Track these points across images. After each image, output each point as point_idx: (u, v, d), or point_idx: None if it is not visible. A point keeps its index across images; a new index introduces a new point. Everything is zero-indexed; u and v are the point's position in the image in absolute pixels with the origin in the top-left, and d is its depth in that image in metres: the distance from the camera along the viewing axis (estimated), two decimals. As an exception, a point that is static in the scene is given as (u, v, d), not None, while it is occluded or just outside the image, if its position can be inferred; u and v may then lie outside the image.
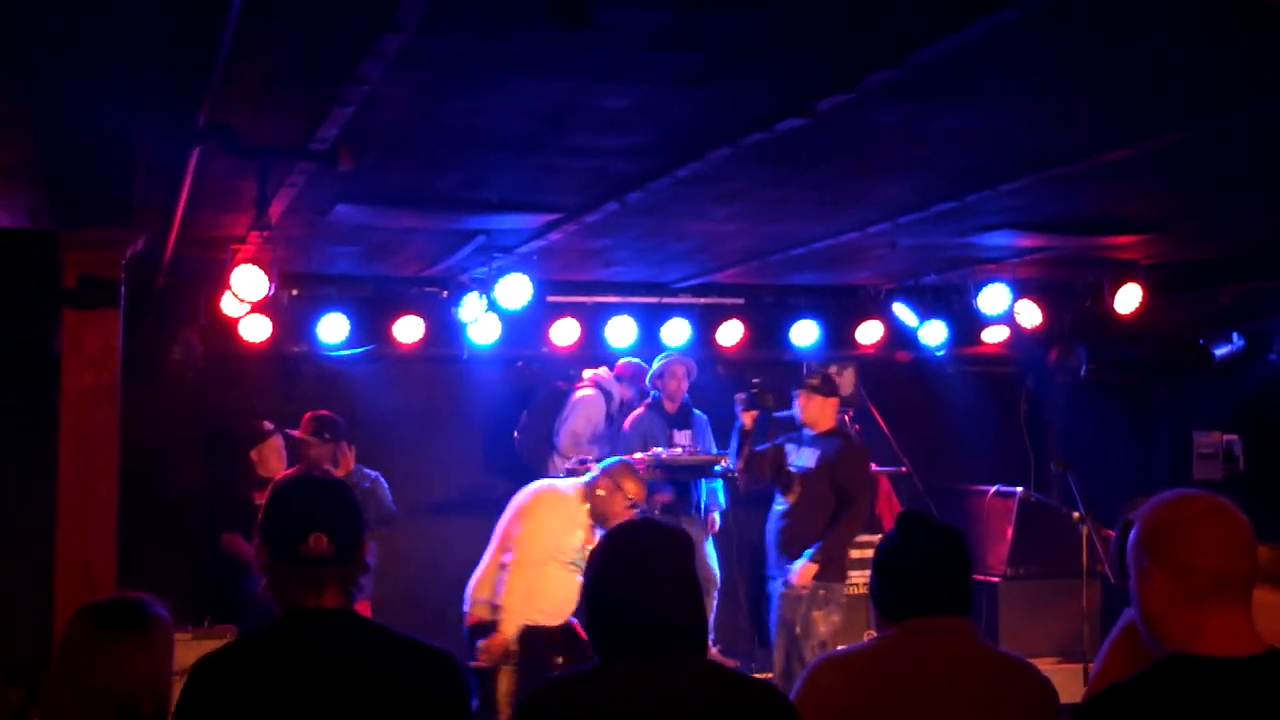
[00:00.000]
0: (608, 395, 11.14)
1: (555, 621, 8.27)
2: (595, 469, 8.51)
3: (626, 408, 11.12)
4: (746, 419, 9.69)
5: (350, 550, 3.56)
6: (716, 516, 10.88)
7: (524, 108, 5.88)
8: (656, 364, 10.85)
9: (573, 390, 11.13)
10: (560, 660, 8.16)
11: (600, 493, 8.24)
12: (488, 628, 8.22)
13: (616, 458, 8.83)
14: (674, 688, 3.38)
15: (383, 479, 9.84)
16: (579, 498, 8.31)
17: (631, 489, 8.21)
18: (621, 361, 11.26)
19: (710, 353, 11.44)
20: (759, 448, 9.66)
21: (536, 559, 8.23)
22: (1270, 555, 4.84)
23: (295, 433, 9.76)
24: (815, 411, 9.59)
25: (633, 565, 3.50)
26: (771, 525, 9.57)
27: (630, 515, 7.96)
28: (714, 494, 10.85)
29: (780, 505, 9.51)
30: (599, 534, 7.72)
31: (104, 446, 7.38)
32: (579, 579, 7.86)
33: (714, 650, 10.45)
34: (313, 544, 3.50)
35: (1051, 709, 3.90)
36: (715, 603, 10.69)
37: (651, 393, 10.88)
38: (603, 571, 3.53)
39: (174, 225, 7.83)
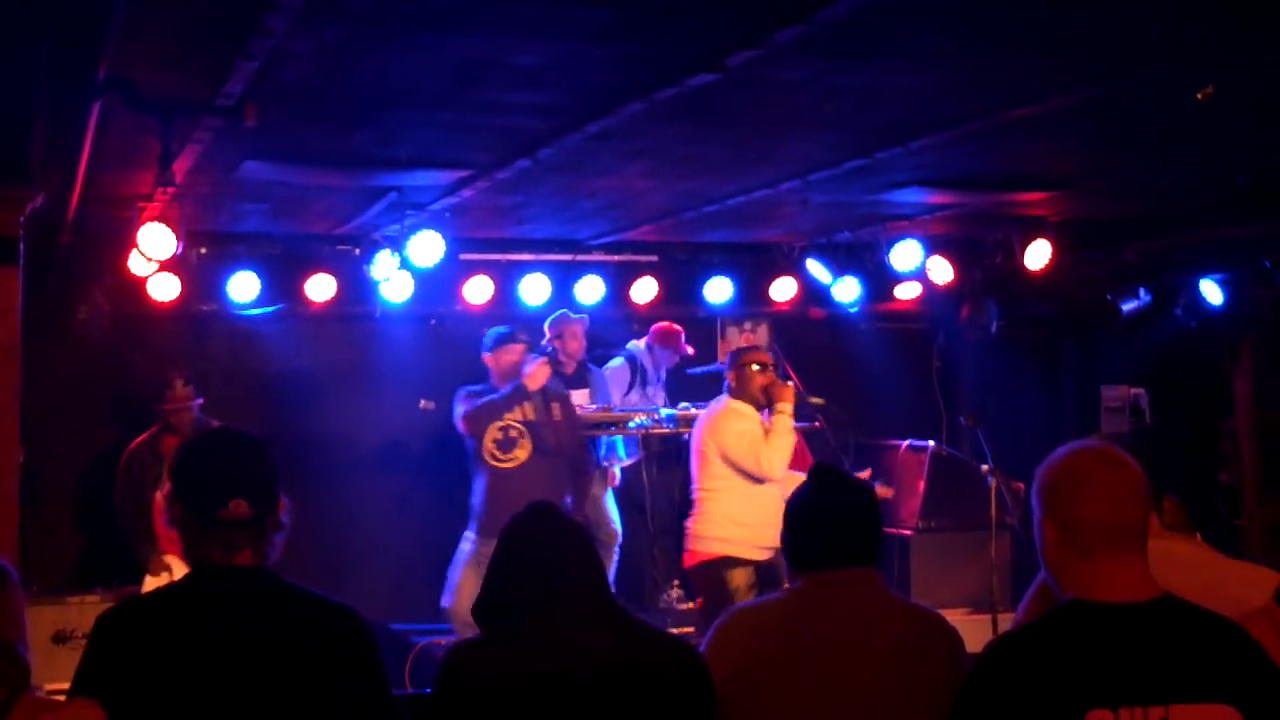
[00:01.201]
0: (631, 359, 11.30)
1: None
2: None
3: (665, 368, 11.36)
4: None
5: (266, 511, 3.55)
6: (616, 470, 10.91)
7: (435, 64, 5.83)
8: (552, 319, 10.81)
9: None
10: None
11: (734, 383, 8.48)
12: None
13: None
14: (582, 642, 3.41)
15: None
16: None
17: (751, 357, 8.51)
18: (656, 326, 11.36)
19: (624, 310, 11.44)
20: None
21: None
22: (1173, 507, 4.91)
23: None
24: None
25: (527, 540, 3.58)
26: None
27: (766, 379, 8.37)
28: (613, 448, 10.89)
29: None
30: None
31: (3, 408, 7.26)
32: None
33: None
34: (232, 509, 3.48)
35: (957, 658, 3.95)
36: (616, 558, 10.73)
37: (550, 349, 10.86)
38: (503, 550, 3.60)
39: (77, 182, 7.70)
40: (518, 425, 9.38)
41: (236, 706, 3.39)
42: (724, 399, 8.53)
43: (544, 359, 9.50)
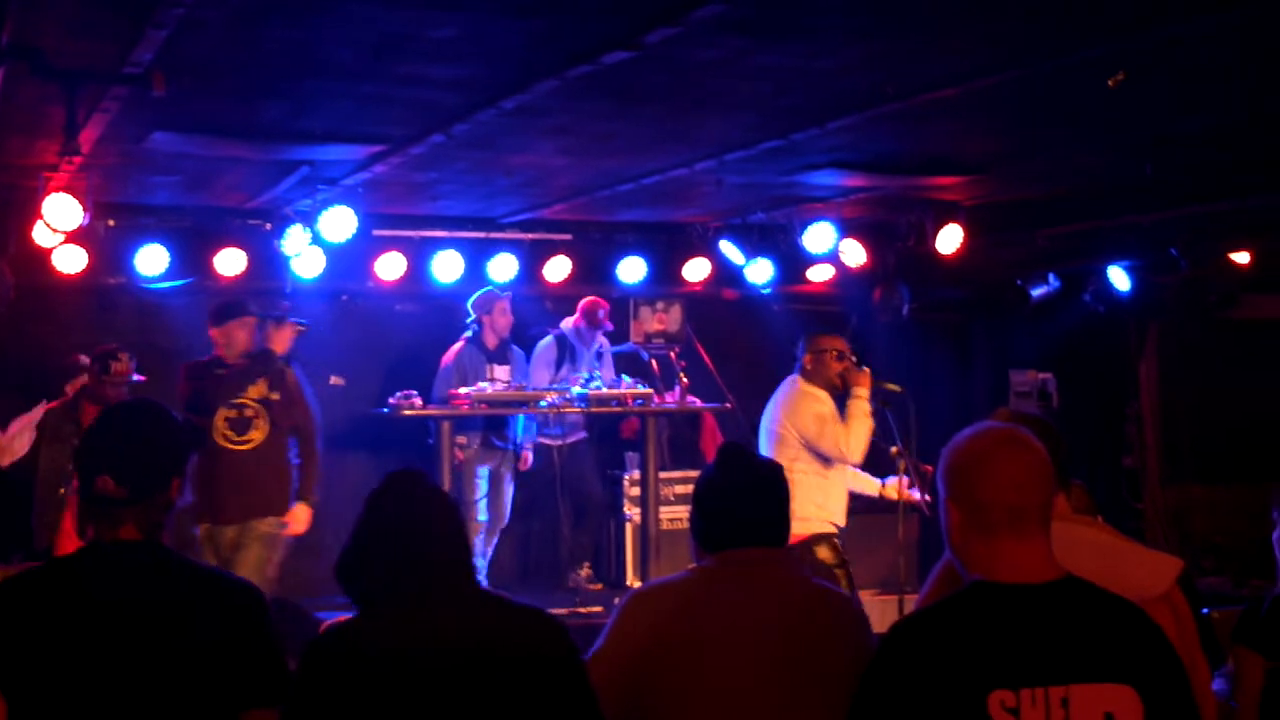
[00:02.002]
0: (560, 339, 11.28)
1: None
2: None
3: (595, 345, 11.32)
4: None
5: (146, 490, 3.51)
6: (529, 454, 10.91)
7: (347, 35, 5.78)
8: (478, 295, 10.78)
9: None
10: None
11: (809, 366, 8.57)
12: None
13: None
14: (452, 621, 3.40)
15: None
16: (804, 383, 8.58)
17: (829, 343, 8.65)
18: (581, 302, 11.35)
19: (537, 289, 11.40)
20: None
21: None
22: (1077, 490, 4.96)
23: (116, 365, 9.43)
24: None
25: (400, 508, 3.55)
26: None
27: (843, 365, 8.55)
28: (528, 430, 10.89)
29: None
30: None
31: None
32: None
33: (483, 585, 10.50)
34: (99, 486, 3.46)
35: (862, 639, 3.97)
36: (496, 540, 10.75)
37: (472, 325, 10.82)
38: (374, 518, 3.58)
39: (-20, 151, 7.60)
40: (253, 404, 8.82)
41: (117, 679, 3.37)
42: (796, 381, 8.66)
43: (290, 323, 9.13)
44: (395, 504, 3.55)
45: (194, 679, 3.41)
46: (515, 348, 11.08)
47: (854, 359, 8.67)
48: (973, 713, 2.91)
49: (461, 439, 10.56)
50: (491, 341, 10.80)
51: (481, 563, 10.59)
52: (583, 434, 11.44)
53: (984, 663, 2.94)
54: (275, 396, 8.85)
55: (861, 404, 8.51)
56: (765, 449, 8.54)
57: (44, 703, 3.35)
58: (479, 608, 3.50)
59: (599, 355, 11.18)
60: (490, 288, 10.83)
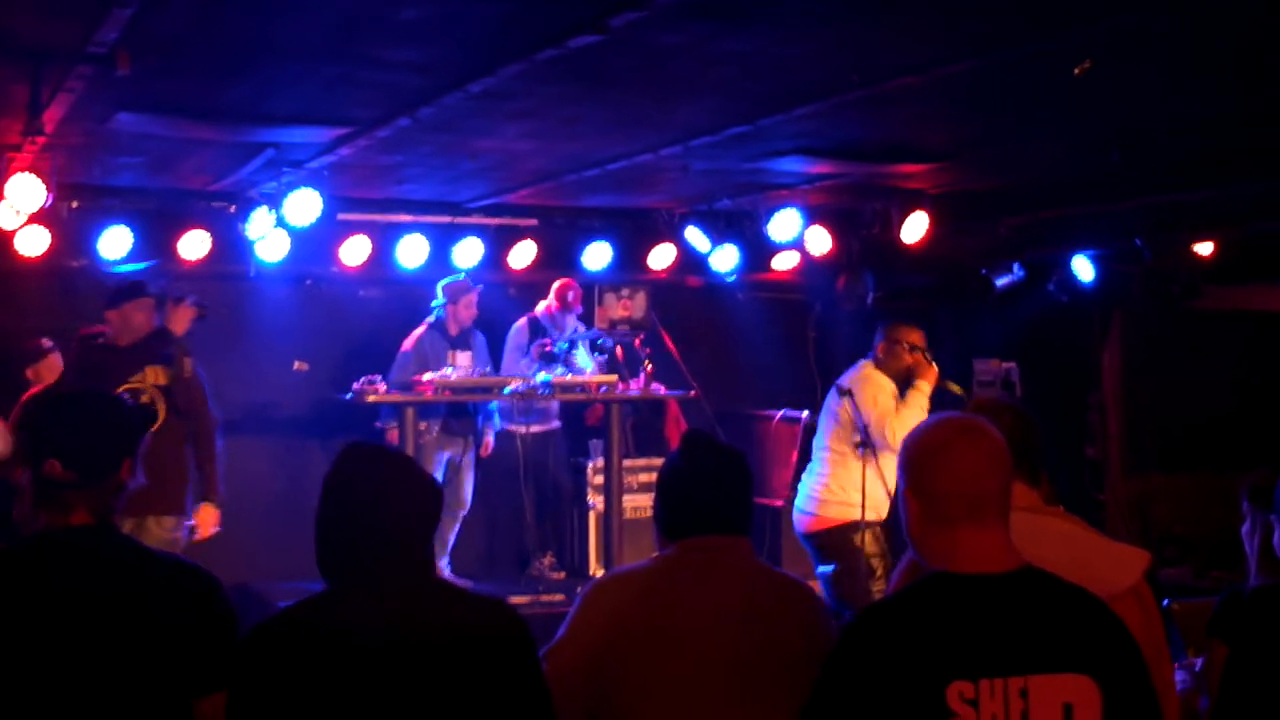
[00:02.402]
0: (533, 323, 11.26)
1: None
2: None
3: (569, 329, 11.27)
4: None
5: (96, 473, 3.50)
6: (490, 439, 10.89)
7: (313, 16, 5.75)
8: (449, 281, 10.75)
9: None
10: None
11: (881, 354, 8.79)
12: None
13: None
14: (401, 608, 3.36)
15: None
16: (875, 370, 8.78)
17: (905, 334, 8.86)
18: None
19: (502, 274, 11.38)
20: None
21: None
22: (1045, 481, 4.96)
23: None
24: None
25: (360, 488, 3.47)
26: None
27: (915, 359, 8.74)
28: (490, 416, 10.87)
29: None
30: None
31: None
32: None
33: (446, 571, 10.50)
34: (47, 469, 3.45)
35: (824, 628, 3.97)
36: (458, 526, 10.74)
37: (436, 312, 10.80)
38: (335, 495, 3.50)
39: (-59, 130, 7.55)
40: (150, 389, 8.65)
41: (68, 665, 3.35)
42: (865, 365, 8.88)
43: (188, 303, 9.13)
44: (348, 481, 3.50)
45: (148, 664, 3.39)
46: (478, 334, 11.06)
47: (928, 354, 8.82)
48: (931, 703, 2.92)
49: (422, 424, 10.53)
50: (454, 328, 10.78)
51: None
52: (556, 424, 11.42)
53: (943, 653, 2.96)
54: (173, 381, 8.69)
55: (919, 396, 8.66)
56: (822, 429, 8.83)
57: None
58: (430, 594, 3.46)
59: (572, 341, 11.14)
60: (462, 277, 10.80)
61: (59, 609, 3.37)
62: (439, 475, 10.58)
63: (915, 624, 3.03)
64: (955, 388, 8.93)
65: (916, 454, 3.20)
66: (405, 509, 3.46)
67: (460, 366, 10.52)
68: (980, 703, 2.92)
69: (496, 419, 10.94)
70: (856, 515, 8.46)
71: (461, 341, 10.76)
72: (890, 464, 8.41)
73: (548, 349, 10.88)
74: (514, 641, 3.47)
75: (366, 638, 3.31)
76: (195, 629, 3.47)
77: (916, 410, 8.55)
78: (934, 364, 8.80)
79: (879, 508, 8.58)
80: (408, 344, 10.78)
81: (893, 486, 8.52)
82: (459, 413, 10.76)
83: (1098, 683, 2.99)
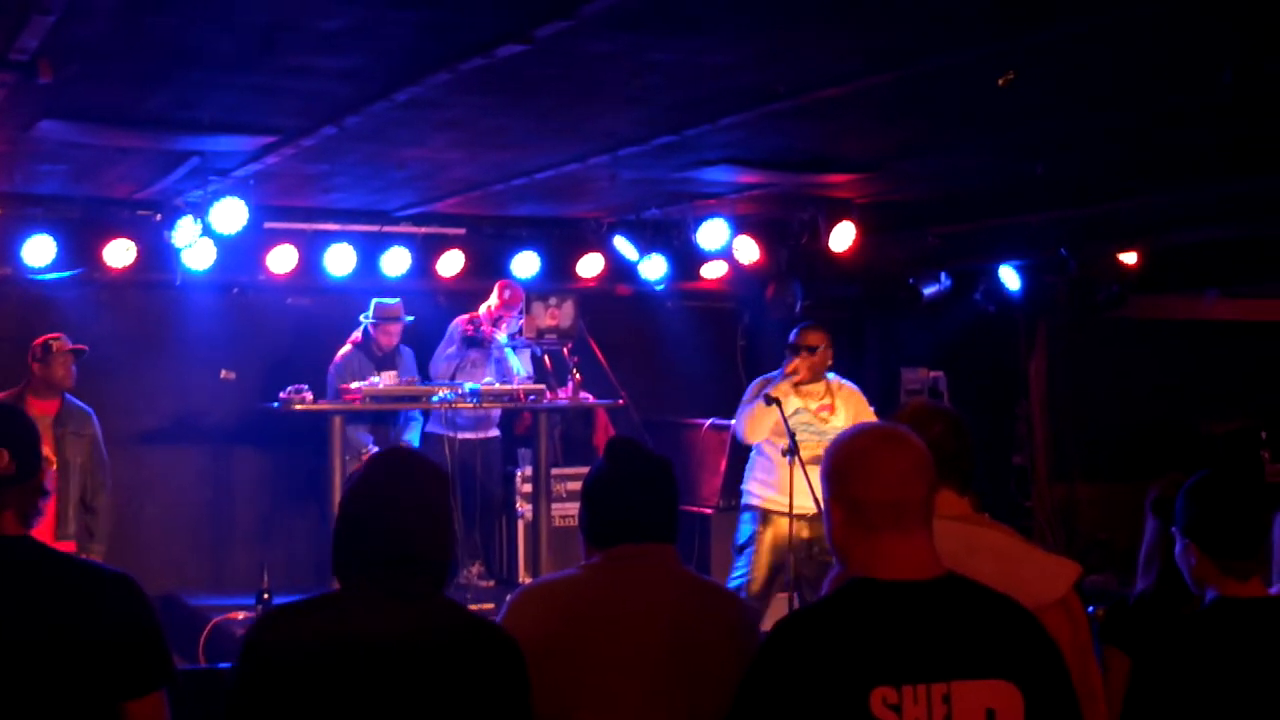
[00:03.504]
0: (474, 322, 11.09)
1: None
2: None
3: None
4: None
5: (28, 470, 3.51)
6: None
7: (234, 24, 5.72)
8: (376, 304, 10.67)
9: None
10: None
11: None
12: None
13: None
14: (405, 619, 3.35)
15: (92, 413, 9.26)
16: None
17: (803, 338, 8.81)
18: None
19: (430, 283, 11.35)
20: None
21: None
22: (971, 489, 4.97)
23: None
24: None
25: (382, 490, 3.47)
26: None
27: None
28: (409, 427, 10.82)
29: None
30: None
31: None
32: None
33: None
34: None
35: (748, 636, 3.96)
36: None
37: (364, 327, 10.73)
38: (353, 493, 3.49)
39: None
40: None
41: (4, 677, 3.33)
42: None
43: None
44: (362, 486, 3.50)
45: (72, 673, 3.38)
46: (405, 349, 10.94)
47: (798, 352, 8.78)
48: (855, 709, 2.93)
49: (366, 452, 10.44)
50: (380, 349, 10.69)
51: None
52: (494, 431, 11.36)
53: (865, 660, 2.96)
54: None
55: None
56: None
57: None
58: (429, 610, 3.44)
59: (512, 345, 11.06)
60: (395, 302, 10.73)
61: None
62: None
63: (837, 630, 3.04)
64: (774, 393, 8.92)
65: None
66: (412, 515, 3.45)
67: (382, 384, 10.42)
68: (904, 708, 2.93)
69: (416, 431, 10.84)
70: None
71: (387, 361, 10.64)
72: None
73: (471, 332, 10.82)
74: (501, 665, 3.46)
75: (353, 642, 3.30)
76: (120, 633, 3.45)
77: (744, 406, 8.80)
78: (798, 362, 8.76)
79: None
80: (335, 362, 10.69)
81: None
82: (388, 425, 10.68)
83: (1020, 688, 3.01)
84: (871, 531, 3.12)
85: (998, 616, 3.12)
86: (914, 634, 3.02)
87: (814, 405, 8.77)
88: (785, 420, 8.49)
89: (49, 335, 9.02)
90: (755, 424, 8.72)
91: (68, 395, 9.06)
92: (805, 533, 8.52)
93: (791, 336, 8.83)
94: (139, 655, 3.47)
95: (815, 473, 7.98)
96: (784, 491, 8.49)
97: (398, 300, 10.77)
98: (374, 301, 10.73)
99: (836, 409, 8.78)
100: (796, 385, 8.73)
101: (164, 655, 3.52)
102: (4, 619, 3.36)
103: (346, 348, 10.72)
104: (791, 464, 8.38)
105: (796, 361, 8.72)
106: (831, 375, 8.92)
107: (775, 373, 8.85)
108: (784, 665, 3.03)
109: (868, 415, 8.71)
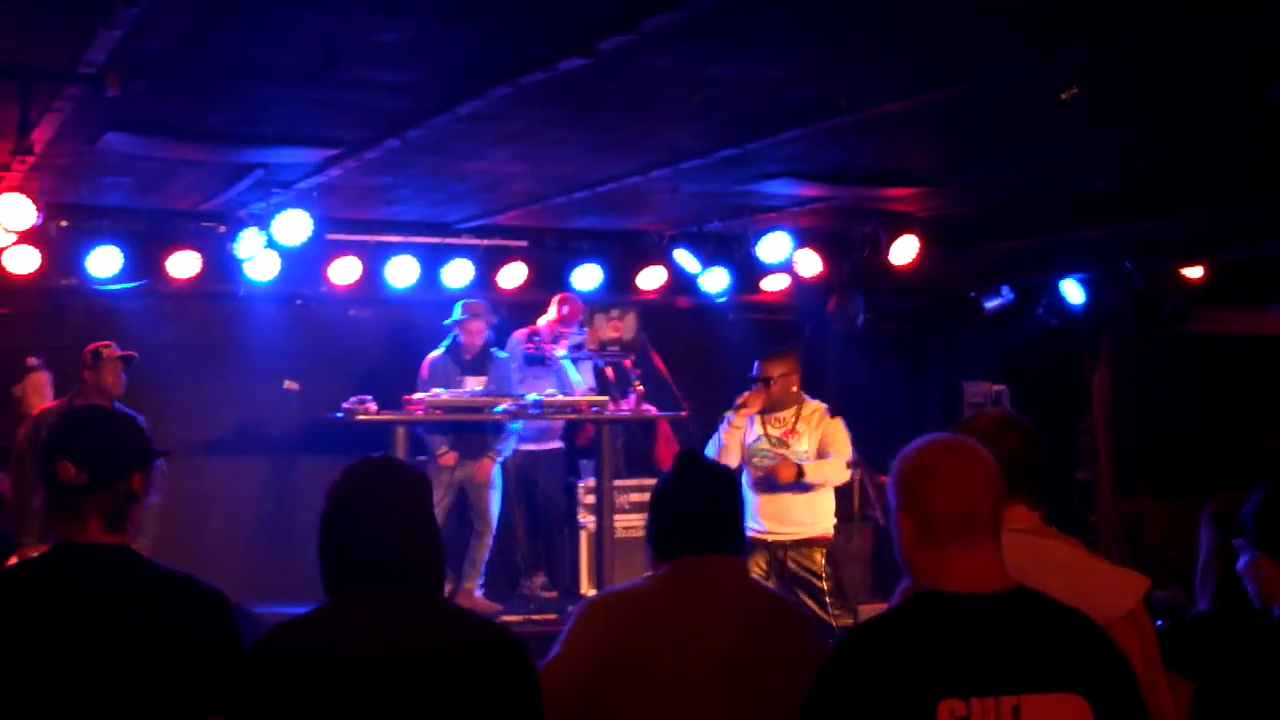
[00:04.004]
0: (533, 335, 11.08)
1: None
2: None
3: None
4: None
5: (106, 478, 3.47)
6: (490, 460, 10.77)
7: (298, 38, 5.77)
8: (457, 314, 10.68)
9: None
10: None
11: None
12: None
13: None
14: (401, 628, 3.33)
15: (142, 420, 9.24)
16: None
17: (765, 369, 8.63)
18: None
19: (492, 295, 11.36)
20: None
21: None
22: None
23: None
24: None
25: (363, 502, 3.45)
26: None
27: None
28: (499, 436, 10.76)
29: None
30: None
31: None
32: None
33: (478, 594, 10.44)
34: (60, 474, 3.43)
35: (815, 648, 3.95)
36: (489, 546, 10.65)
37: (452, 335, 10.72)
38: (334, 507, 3.47)
39: (-68, 150, 7.55)
40: None
41: (84, 687, 3.33)
42: None
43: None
44: (344, 496, 3.49)
45: (155, 683, 3.38)
46: (496, 354, 10.82)
47: (754, 384, 8.64)
48: (923, 721, 2.92)
49: (441, 449, 10.45)
50: (467, 354, 10.66)
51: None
52: (556, 443, 11.37)
53: (933, 672, 2.94)
54: None
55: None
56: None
57: (5, 712, 3.32)
58: (431, 617, 3.43)
59: (573, 358, 11.06)
60: (471, 301, 10.73)
61: (67, 623, 3.35)
62: (449, 498, 10.45)
63: (906, 642, 3.02)
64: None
65: (906, 474, 3.19)
66: (401, 522, 3.43)
67: (470, 391, 10.41)
68: None
69: (511, 444, 10.77)
70: None
71: (476, 366, 10.60)
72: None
73: (532, 351, 10.84)
74: (510, 668, 3.44)
75: (355, 656, 3.28)
76: (206, 649, 3.45)
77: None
78: (748, 395, 8.62)
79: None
80: (423, 368, 10.67)
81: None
82: (470, 434, 10.63)
83: (1090, 703, 2.98)
84: (939, 544, 3.10)
85: (1067, 630, 3.09)
86: (983, 646, 2.99)
87: (777, 433, 8.58)
88: (750, 447, 8.54)
89: (99, 343, 9.10)
90: (721, 454, 8.56)
91: (117, 403, 9.08)
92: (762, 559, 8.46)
93: (754, 367, 8.71)
94: (223, 668, 3.46)
95: (768, 498, 8.31)
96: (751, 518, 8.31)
97: (480, 301, 10.77)
98: (459, 304, 10.72)
99: (800, 433, 8.56)
100: (761, 414, 8.60)
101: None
102: (90, 627, 3.36)
103: (437, 352, 10.69)
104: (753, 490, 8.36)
105: (747, 395, 8.61)
106: (810, 400, 8.74)
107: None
108: (852, 676, 3.01)
109: (837, 436, 8.54)
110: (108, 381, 9.00)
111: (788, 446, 8.52)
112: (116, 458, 3.53)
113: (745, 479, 8.48)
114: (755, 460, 8.47)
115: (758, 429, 8.60)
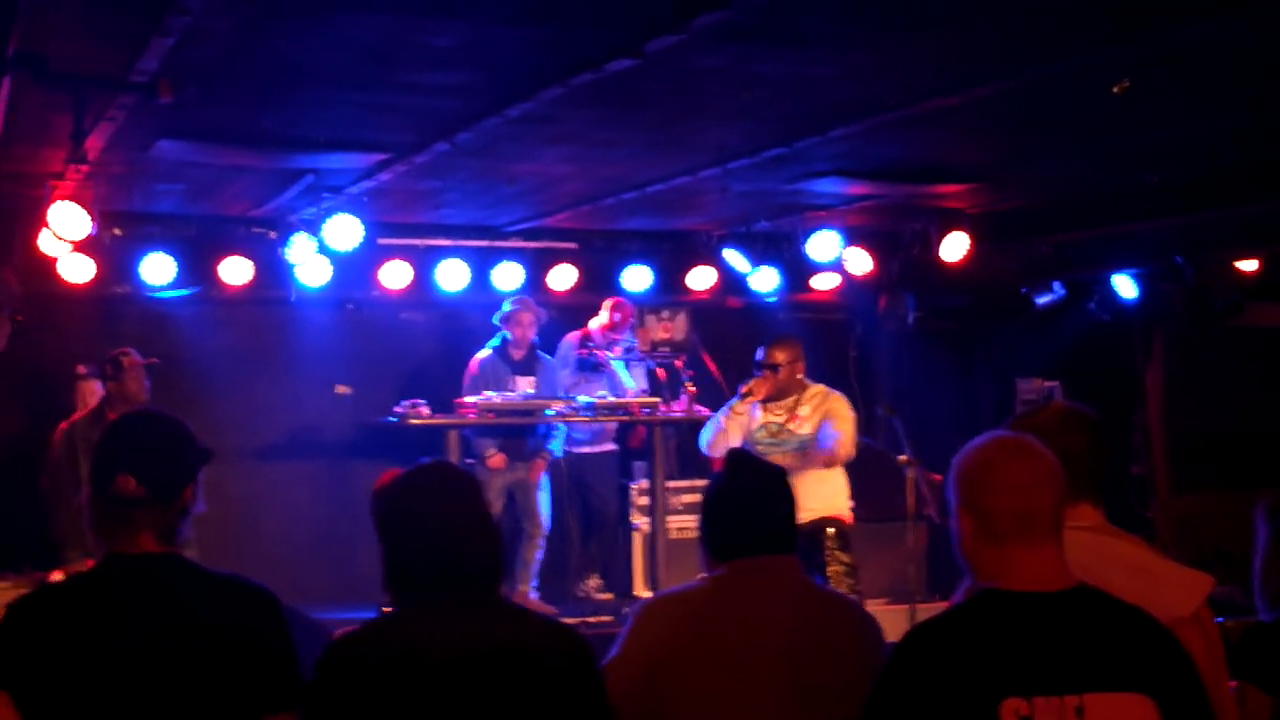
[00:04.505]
0: (585, 339, 11.14)
1: None
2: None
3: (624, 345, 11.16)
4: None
5: (165, 491, 3.48)
6: (543, 461, 10.78)
7: (348, 43, 5.80)
8: (506, 307, 10.70)
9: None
10: None
11: None
12: None
13: None
14: (474, 630, 3.35)
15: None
16: None
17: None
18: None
19: (542, 297, 11.37)
20: None
21: None
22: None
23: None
24: None
25: (426, 509, 3.46)
26: None
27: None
28: (546, 440, 10.78)
29: None
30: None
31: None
32: None
33: (532, 596, 10.47)
34: (119, 484, 3.43)
35: (875, 646, 3.95)
36: (541, 548, 10.67)
37: (501, 334, 10.73)
38: (396, 515, 3.48)
39: (-13, 159, 7.62)
40: None
41: (139, 693, 3.35)
42: None
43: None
44: (418, 504, 3.50)
45: (214, 686, 3.39)
46: (544, 356, 10.85)
47: (760, 370, 8.67)
48: (986, 720, 2.91)
49: (489, 451, 10.47)
50: (516, 353, 10.67)
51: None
52: (609, 445, 11.37)
53: (996, 670, 2.94)
54: None
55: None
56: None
57: (63, 715, 3.33)
58: (499, 618, 3.44)
59: (625, 360, 11.07)
60: (518, 298, 10.76)
61: (127, 638, 3.37)
62: (500, 501, 10.48)
63: (967, 640, 3.01)
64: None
65: (968, 472, 3.18)
66: (465, 528, 3.45)
67: (520, 392, 10.42)
68: (1035, 719, 2.91)
69: (558, 443, 10.78)
70: None
71: (525, 366, 10.61)
72: None
73: (586, 355, 10.86)
74: (579, 665, 3.46)
75: (432, 659, 3.30)
76: (259, 650, 3.46)
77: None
78: (754, 383, 8.66)
79: None
80: (471, 368, 10.69)
81: None
82: (520, 436, 10.66)
83: (1156, 703, 2.96)
84: (1000, 542, 3.09)
85: (1132, 629, 3.07)
86: (1045, 645, 2.98)
87: (780, 419, 8.65)
88: (751, 434, 8.63)
89: (118, 350, 9.13)
90: (720, 439, 8.72)
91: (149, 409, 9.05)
92: None
93: (758, 353, 8.74)
94: (274, 674, 3.47)
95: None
96: None
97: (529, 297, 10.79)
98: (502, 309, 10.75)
99: (801, 419, 8.62)
100: (764, 402, 8.66)
101: (297, 676, 3.51)
102: (148, 637, 3.38)
103: (485, 352, 10.70)
104: None
105: (753, 382, 8.65)
106: (813, 385, 8.76)
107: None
108: (914, 675, 3.01)
109: (840, 412, 8.59)
110: (131, 389, 9.04)
111: (793, 434, 8.59)
112: (176, 471, 3.54)
113: None
114: (760, 449, 8.43)
115: (760, 416, 8.68)
